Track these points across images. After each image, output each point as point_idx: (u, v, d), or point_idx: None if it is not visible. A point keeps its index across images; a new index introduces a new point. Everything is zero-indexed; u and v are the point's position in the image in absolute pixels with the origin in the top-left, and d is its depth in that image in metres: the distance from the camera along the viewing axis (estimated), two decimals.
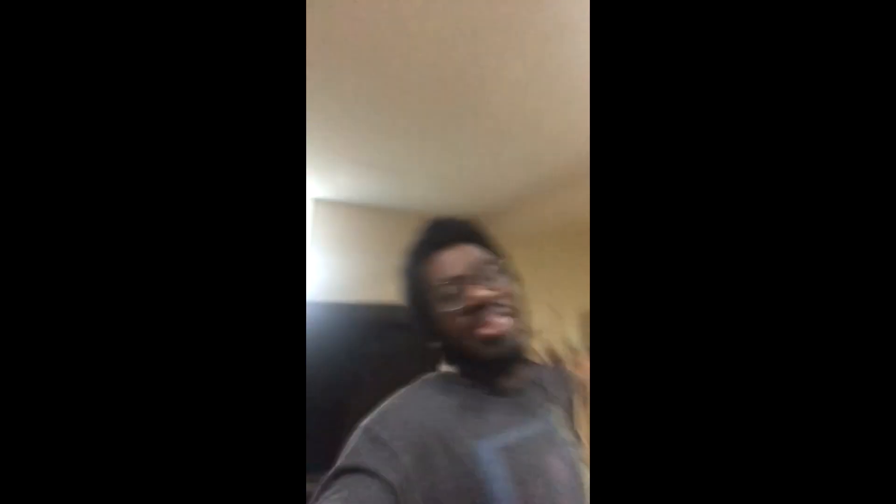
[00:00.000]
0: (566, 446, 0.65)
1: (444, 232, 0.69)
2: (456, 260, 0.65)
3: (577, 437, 0.70)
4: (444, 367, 0.69)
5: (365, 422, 0.57)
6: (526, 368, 0.71)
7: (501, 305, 0.63)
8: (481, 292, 0.62)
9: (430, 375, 0.68)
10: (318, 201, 2.12)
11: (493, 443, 0.59)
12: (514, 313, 0.64)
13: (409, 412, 0.58)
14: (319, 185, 2.02)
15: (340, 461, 0.52)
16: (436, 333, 0.66)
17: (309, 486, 0.46)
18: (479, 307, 0.62)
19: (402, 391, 0.64)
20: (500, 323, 0.62)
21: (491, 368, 0.64)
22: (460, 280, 0.63)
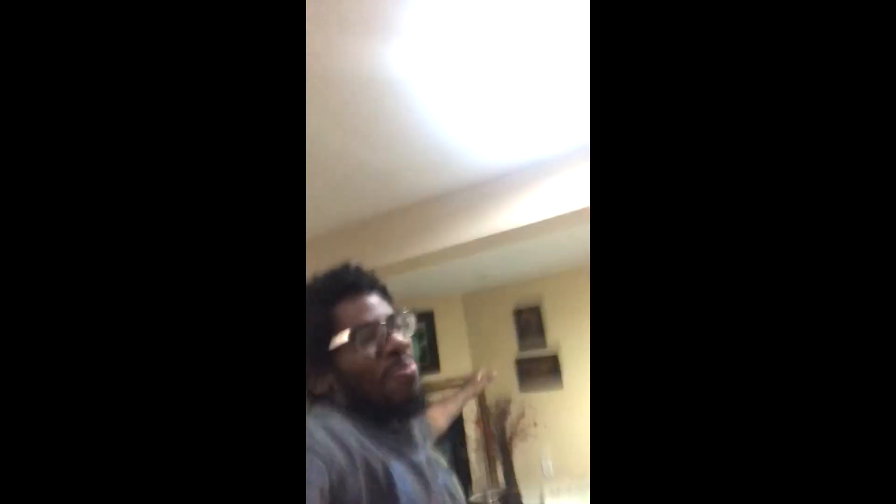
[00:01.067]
0: (445, 473, 0.72)
1: (357, 277, 0.72)
2: (376, 306, 0.70)
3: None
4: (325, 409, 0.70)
5: None
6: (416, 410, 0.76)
7: (408, 354, 0.69)
8: (401, 338, 0.68)
9: (318, 410, 0.69)
10: None
11: (403, 461, 0.64)
12: (412, 362, 0.70)
13: (323, 432, 0.60)
14: None
15: None
16: (336, 375, 0.68)
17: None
18: (397, 352, 0.67)
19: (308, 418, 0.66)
20: (412, 366, 0.68)
21: (400, 408, 0.68)
22: (378, 325, 0.68)
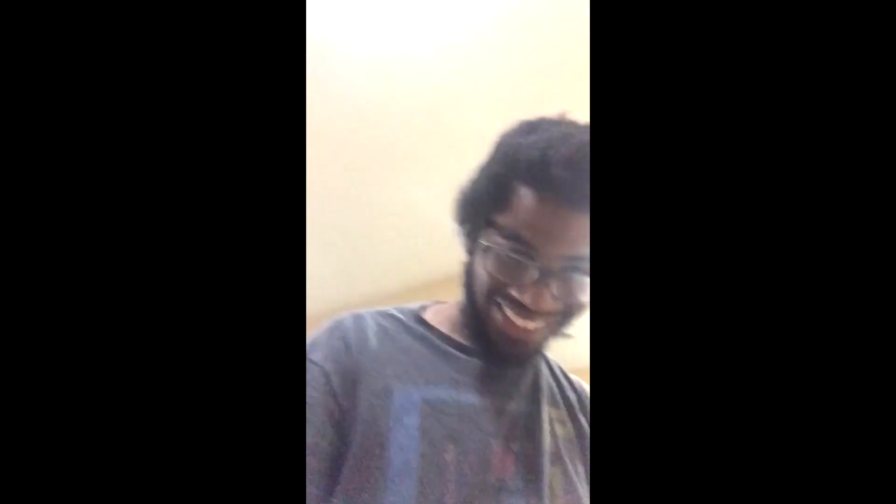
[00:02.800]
0: (543, 452, 0.54)
1: (576, 179, 0.45)
2: (560, 233, 0.47)
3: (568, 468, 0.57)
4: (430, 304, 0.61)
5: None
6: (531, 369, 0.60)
7: (548, 316, 0.51)
8: (548, 304, 0.49)
9: (390, 310, 0.60)
10: None
11: (419, 391, 0.51)
12: (554, 322, 0.53)
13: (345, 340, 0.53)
14: None
15: None
16: (469, 244, 0.54)
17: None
18: (528, 308, 0.49)
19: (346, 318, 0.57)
20: (531, 331, 0.51)
21: (489, 342, 0.53)
22: (541, 266, 0.47)
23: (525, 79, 1.43)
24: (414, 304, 0.62)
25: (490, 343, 0.53)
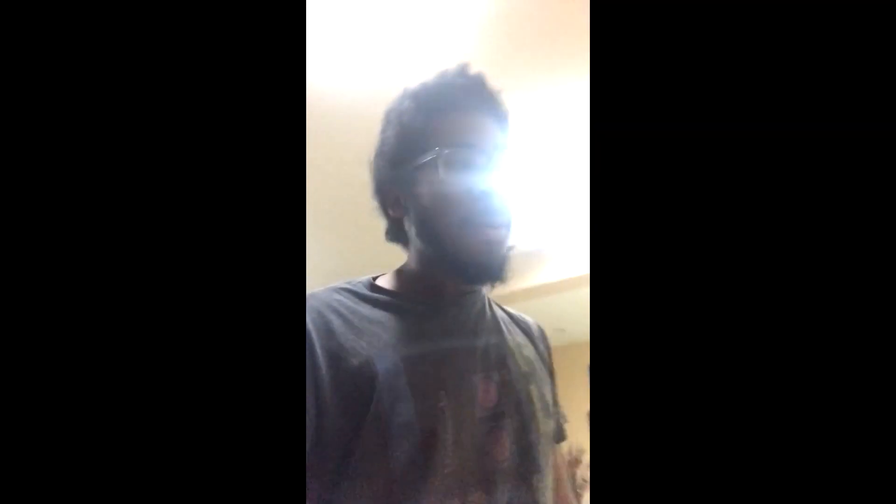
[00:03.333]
0: (518, 375, 0.57)
1: (475, 87, 0.57)
2: (482, 130, 0.55)
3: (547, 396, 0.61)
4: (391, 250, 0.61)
5: None
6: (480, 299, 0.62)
7: (505, 209, 0.55)
8: (503, 186, 0.53)
9: (357, 281, 0.59)
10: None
11: (398, 352, 0.52)
12: (510, 222, 0.57)
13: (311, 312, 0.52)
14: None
15: None
16: (413, 199, 0.56)
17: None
18: (490, 200, 0.53)
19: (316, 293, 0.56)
20: (502, 222, 0.55)
21: (470, 268, 0.55)
22: (484, 153, 0.54)
23: (525, 81, 1.44)
24: (364, 277, 0.62)
25: (467, 267, 0.55)
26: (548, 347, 0.69)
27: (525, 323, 0.69)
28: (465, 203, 0.53)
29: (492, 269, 0.55)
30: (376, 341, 0.53)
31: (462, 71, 0.57)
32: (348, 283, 0.60)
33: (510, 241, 0.57)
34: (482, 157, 0.54)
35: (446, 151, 0.53)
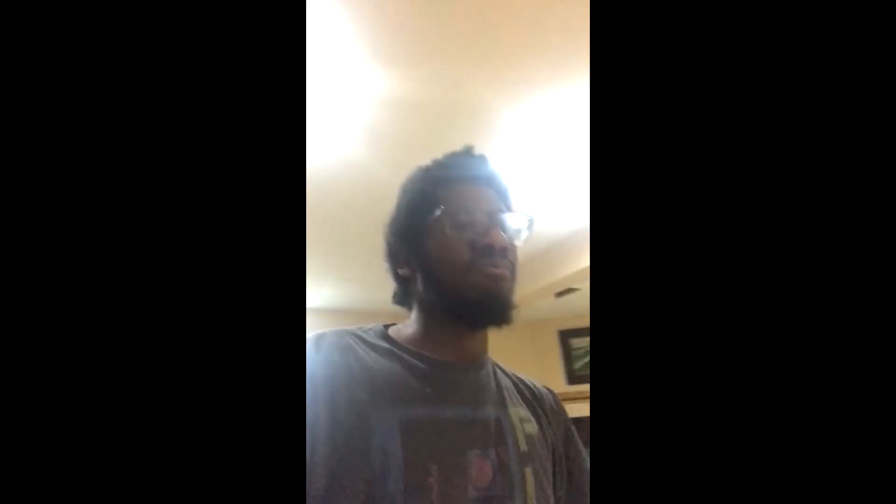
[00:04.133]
0: (515, 455, 0.56)
1: (477, 166, 0.65)
2: (481, 198, 0.62)
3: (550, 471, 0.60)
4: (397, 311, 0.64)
5: None
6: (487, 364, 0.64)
7: (507, 258, 0.59)
8: (504, 238, 0.58)
9: (361, 331, 0.61)
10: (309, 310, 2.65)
11: (397, 412, 0.52)
12: (512, 269, 0.60)
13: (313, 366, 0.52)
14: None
15: None
16: (420, 256, 0.61)
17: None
18: (493, 248, 0.57)
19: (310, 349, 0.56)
20: (504, 265, 0.58)
21: (476, 309, 0.57)
22: (477, 214, 0.59)
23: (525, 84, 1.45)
24: (377, 324, 0.64)
25: (473, 308, 0.58)
26: (559, 416, 0.67)
27: (535, 393, 0.68)
28: (468, 250, 0.57)
29: (495, 308, 0.57)
30: (378, 395, 0.52)
31: (468, 151, 0.66)
32: (360, 328, 0.62)
33: (514, 280, 0.60)
34: (484, 217, 0.59)
35: (451, 210, 0.59)
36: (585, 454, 0.67)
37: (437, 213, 0.59)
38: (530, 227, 0.63)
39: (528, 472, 0.56)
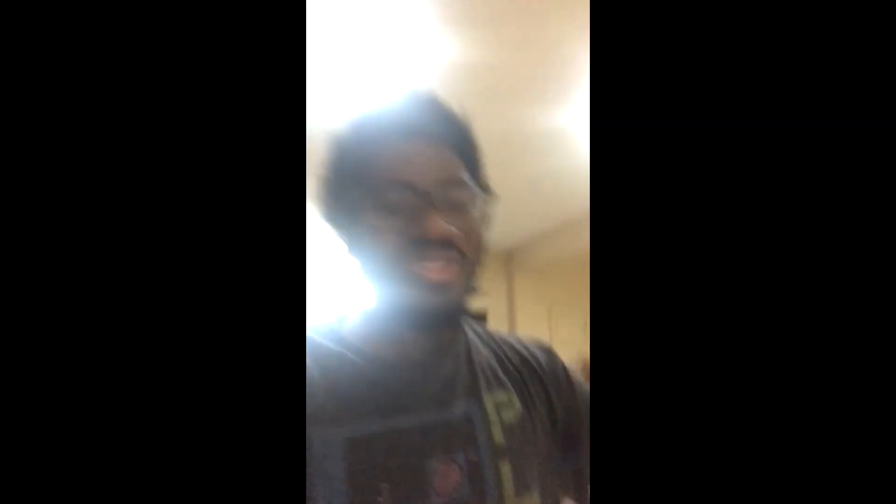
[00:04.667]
0: (489, 452, 0.48)
1: (422, 113, 0.49)
2: (425, 162, 0.47)
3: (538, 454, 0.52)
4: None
5: None
6: (458, 336, 0.54)
7: (459, 250, 0.46)
8: (442, 227, 0.44)
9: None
10: None
11: (341, 430, 0.44)
12: (468, 263, 0.48)
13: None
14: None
15: None
16: (347, 236, 0.49)
17: None
18: (426, 241, 0.45)
19: None
20: (450, 270, 0.45)
21: (411, 314, 0.47)
22: (418, 194, 0.45)
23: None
24: (332, 319, 0.54)
25: (409, 314, 0.47)
26: (555, 373, 0.59)
27: (524, 358, 0.59)
28: (395, 241, 0.45)
29: (434, 316, 0.47)
30: (320, 413, 0.44)
31: (413, 93, 0.50)
32: (316, 325, 0.52)
33: (466, 279, 0.48)
34: (418, 192, 0.45)
35: (378, 183, 0.46)
36: (584, 395, 0.59)
37: (359, 187, 0.46)
38: (485, 201, 0.50)
39: (505, 467, 0.49)
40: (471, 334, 0.58)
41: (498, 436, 0.50)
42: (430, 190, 0.45)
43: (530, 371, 0.58)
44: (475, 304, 0.53)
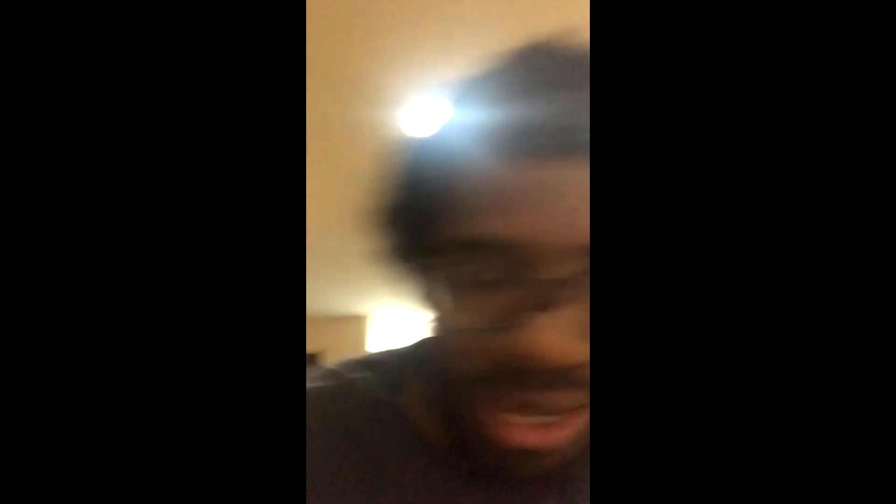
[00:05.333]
0: None
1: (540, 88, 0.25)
2: (536, 202, 0.24)
3: None
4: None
5: None
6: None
7: (574, 381, 0.25)
8: (560, 345, 0.24)
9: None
10: None
11: None
12: (584, 397, 0.26)
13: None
14: None
15: None
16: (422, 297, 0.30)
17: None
18: (524, 368, 0.24)
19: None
20: (558, 427, 0.26)
21: (482, 464, 0.30)
22: (518, 265, 0.24)
23: None
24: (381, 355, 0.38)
25: (480, 474, 0.31)
26: None
27: None
28: (482, 358, 0.26)
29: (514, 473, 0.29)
30: None
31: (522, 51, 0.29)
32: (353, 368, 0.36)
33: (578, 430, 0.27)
34: (520, 273, 0.25)
35: (455, 263, 0.26)
36: None
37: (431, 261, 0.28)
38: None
39: None
40: None
41: None
42: (559, 276, 0.24)
43: None
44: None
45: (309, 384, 0.36)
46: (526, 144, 0.25)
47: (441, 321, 0.29)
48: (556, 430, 0.26)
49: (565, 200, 0.25)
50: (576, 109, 0.26)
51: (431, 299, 0.29)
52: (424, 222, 0.28)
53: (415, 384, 0.33)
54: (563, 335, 0.24)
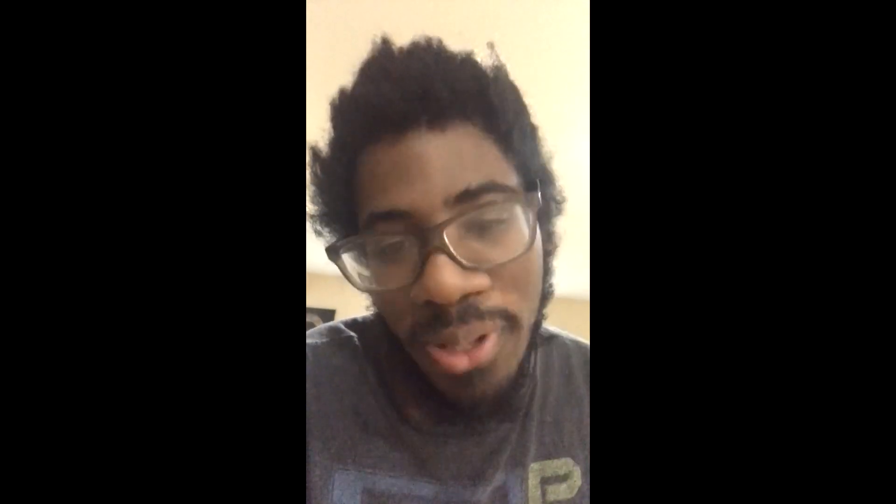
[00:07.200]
0: None
1: (425, 95, 0.30)
2: (427, 168, 0.29)
3: None
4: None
5: None
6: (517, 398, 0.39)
7: (491, 311, 0.30)
8: (451, 284, 0.28)
9: (342, 334, 0.43)
10: None
11: (362, 480, 0.35)
12: (512, 322, 0.31)
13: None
14: None
15: None
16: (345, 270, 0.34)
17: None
18: (441, 309, 0.29)
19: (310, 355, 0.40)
20: (479, 353, 0.30)
21: (449, 403, 0.34)
22: (412, 226, 0.29)
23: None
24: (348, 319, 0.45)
25: (437, 403, 0.35)
26: None
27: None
28: (402, 302, 0.31)
29: (461, 407, 0.33)
30: (344, 449, 0.37)
31: (413, 46, 0.32)
32: (332, 328, 0.45)
33: (514, 343, 0.33)
34: (417, 233, 0.29)
35: (368, 237, 0.31)
36: None
37: (348, 239, 0.32)
38: (540, 199, 0.31)
39: None
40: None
41: None
42: (430, 214, 0.29)
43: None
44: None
45: (309, 340, 0.43)
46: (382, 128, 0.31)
47: (372, 290, 0.34)
48: (476, 353, 0.31)
49: (432, 165, 0.30)
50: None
51: (358, 273, 0.34)
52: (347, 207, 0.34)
53: (383, 342, 0.40)
54: (455, 270, 0.29)
